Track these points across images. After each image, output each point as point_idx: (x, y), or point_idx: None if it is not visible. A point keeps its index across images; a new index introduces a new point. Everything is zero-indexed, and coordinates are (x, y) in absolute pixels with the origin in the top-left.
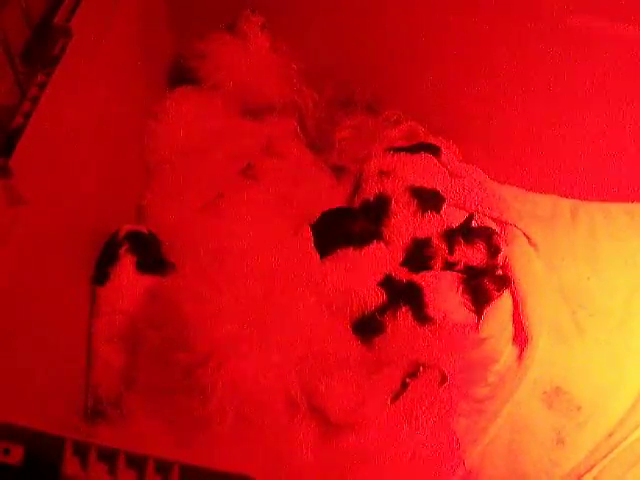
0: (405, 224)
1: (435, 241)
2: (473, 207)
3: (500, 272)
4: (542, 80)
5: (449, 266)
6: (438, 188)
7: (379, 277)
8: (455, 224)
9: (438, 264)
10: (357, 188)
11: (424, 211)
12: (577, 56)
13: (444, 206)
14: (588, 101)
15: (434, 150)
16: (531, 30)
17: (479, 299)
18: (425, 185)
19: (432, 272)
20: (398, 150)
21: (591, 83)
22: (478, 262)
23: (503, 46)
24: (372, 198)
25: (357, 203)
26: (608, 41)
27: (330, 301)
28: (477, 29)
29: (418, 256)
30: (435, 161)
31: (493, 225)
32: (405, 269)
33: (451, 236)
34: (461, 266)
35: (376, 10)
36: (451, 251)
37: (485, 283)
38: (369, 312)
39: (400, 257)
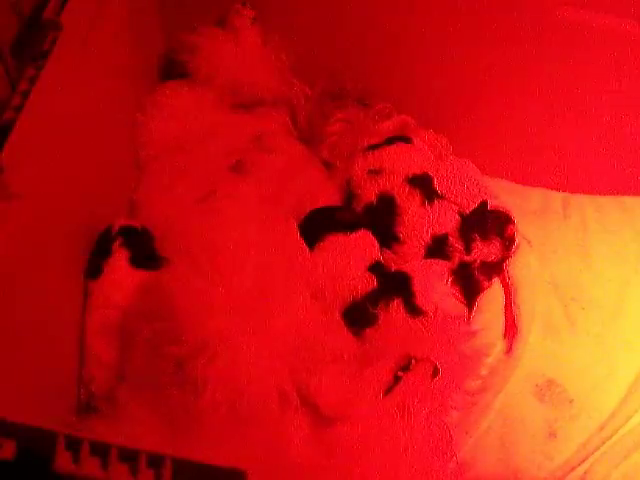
0: (419, 218)
1: (452, 239)
2: (465, 202)
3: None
4: (533, 73)
5: (464, 266)
6: (427, 171)
7: (368, 263)
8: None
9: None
10: (352, 196)
11: (430, 200)
12: (567, 49)
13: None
14: (579, 94)
15: (406, 140)
16: (522, 23)
17: (469, 290)
18: (417, 172)
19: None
20: (374, 147)
21: (581, 76)
22: (493, 258)
23: (494, 40)
24: (374, 200)
25: (359, 210)
26: (598, 34)
27: (322, 292)
28: (467, 22)
29: (439, 255)
30: (412, 147)
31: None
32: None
33: (467, 231)
34: (477, 264)
35: (367, 3)
36: (468, 250)
37: (475, 274)
38: (360, 298)
39: (421, 256)
